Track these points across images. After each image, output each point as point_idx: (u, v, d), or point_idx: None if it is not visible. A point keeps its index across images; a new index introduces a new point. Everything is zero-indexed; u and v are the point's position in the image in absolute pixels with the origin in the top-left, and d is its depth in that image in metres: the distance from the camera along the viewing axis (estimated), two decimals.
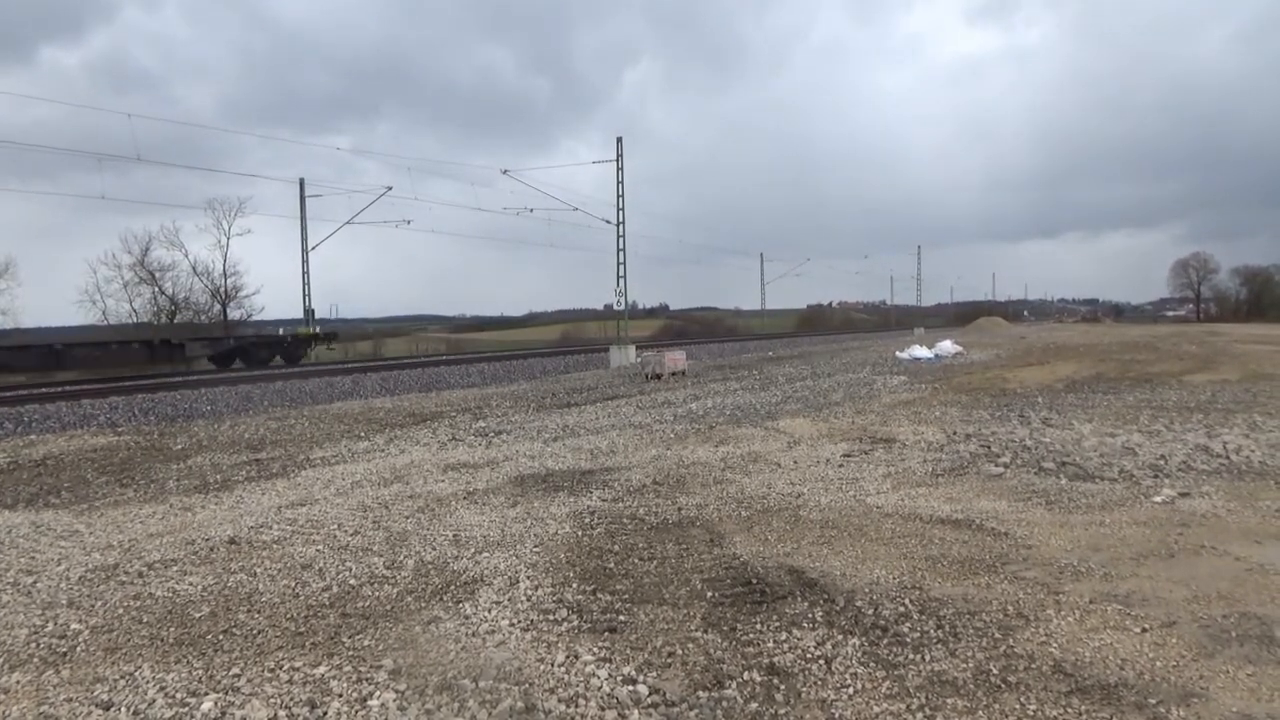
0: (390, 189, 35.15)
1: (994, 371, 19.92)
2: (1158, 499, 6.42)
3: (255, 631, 4.03)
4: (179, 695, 3.35)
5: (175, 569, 5.12)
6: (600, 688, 3.36)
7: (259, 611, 4.32)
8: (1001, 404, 13.04)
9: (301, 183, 37.35)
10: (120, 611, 4.37)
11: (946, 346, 27.61)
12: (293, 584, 4.76)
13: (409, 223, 37.02)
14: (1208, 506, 6.17)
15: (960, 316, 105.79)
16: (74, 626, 4.16)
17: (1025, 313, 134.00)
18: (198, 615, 4.28)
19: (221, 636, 3.98)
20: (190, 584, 4.81)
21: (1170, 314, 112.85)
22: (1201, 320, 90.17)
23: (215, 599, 4.53)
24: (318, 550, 5.45)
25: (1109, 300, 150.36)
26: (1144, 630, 3.81)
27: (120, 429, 12.71)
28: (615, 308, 30.93)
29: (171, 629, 4.10)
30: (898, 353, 26.41)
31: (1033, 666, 3.46)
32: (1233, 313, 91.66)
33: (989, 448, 8.83)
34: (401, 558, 5.23)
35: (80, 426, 13.04)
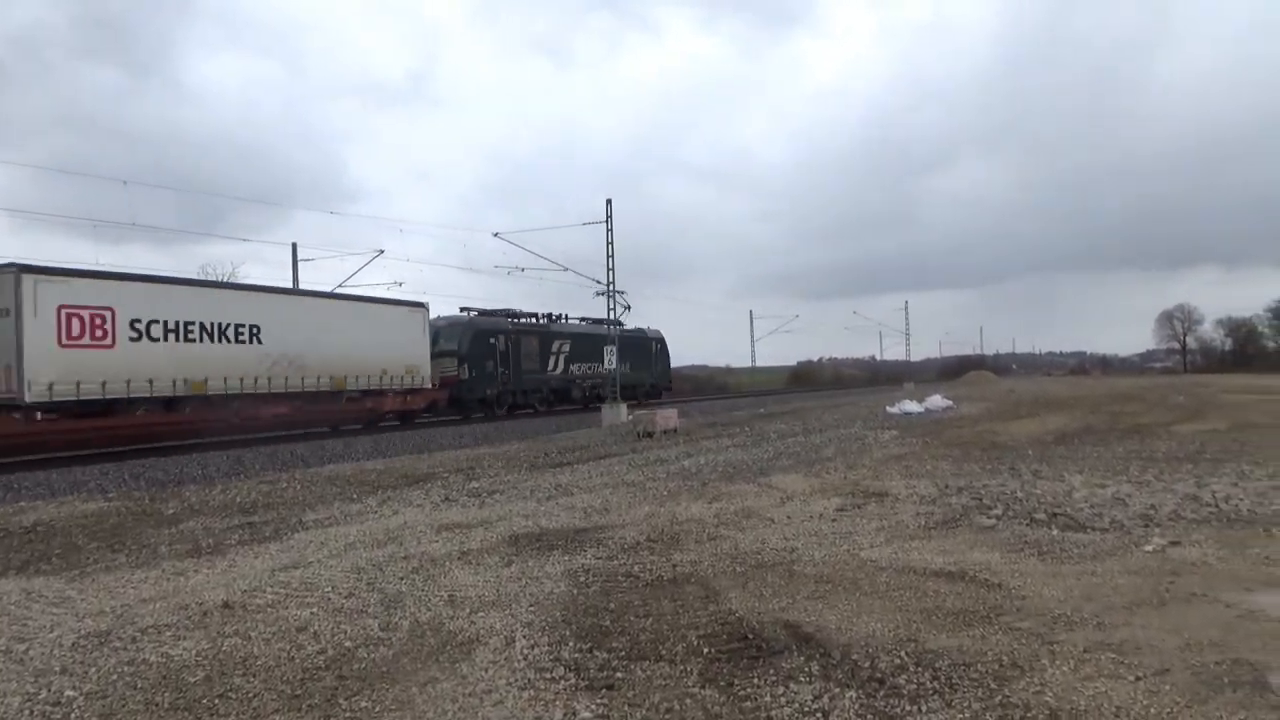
0: (382, 252, 35.46)
1: (984, 425, 20.03)
2: (1149, 548, 6.47)
3: (251, 695, 4.02)
4: None
5: (169, 634, 5.09)
6: None
7: (254, 675, 4.30)
8: (992, 457, 13.11)
9: (294, 247, 37.69)
10: (114, 677, 4.34)
11: (937, 400, 27.80)
12: (288, 647, 4.74)
13: (400, 285, 37.26)
14: (1198, 555, 6.22)
15: (949, 371, 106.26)
16: (68, 693, 4.13)
17: (1014, 366, 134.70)
18: (192, 680, 4.26)
19: (217, 700, 3.96)
20: (184, 649, 4.78)
21: (1157, 365, 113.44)
22: (1188, 371, 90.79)
23: (210, 663, 4.51)
24: (312, 613, 5.43)
25: (1096, 352, 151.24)
26: (1138, 678, 3.84)
27: (110, 495, 12.63)
28: (607, 366, 31.04)
29: (166, 694, 4.07)
30: (888, 407, 26.53)
31: (1029, 716, 3.48)
32: (1218, 363, 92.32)
33: (981, 500, 8.88)
34: (397, 619, 5.22)
35: (70, 493, 12.95)
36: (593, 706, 3.72)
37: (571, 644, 4.60)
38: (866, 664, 4.13)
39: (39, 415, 17.14)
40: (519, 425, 25.99)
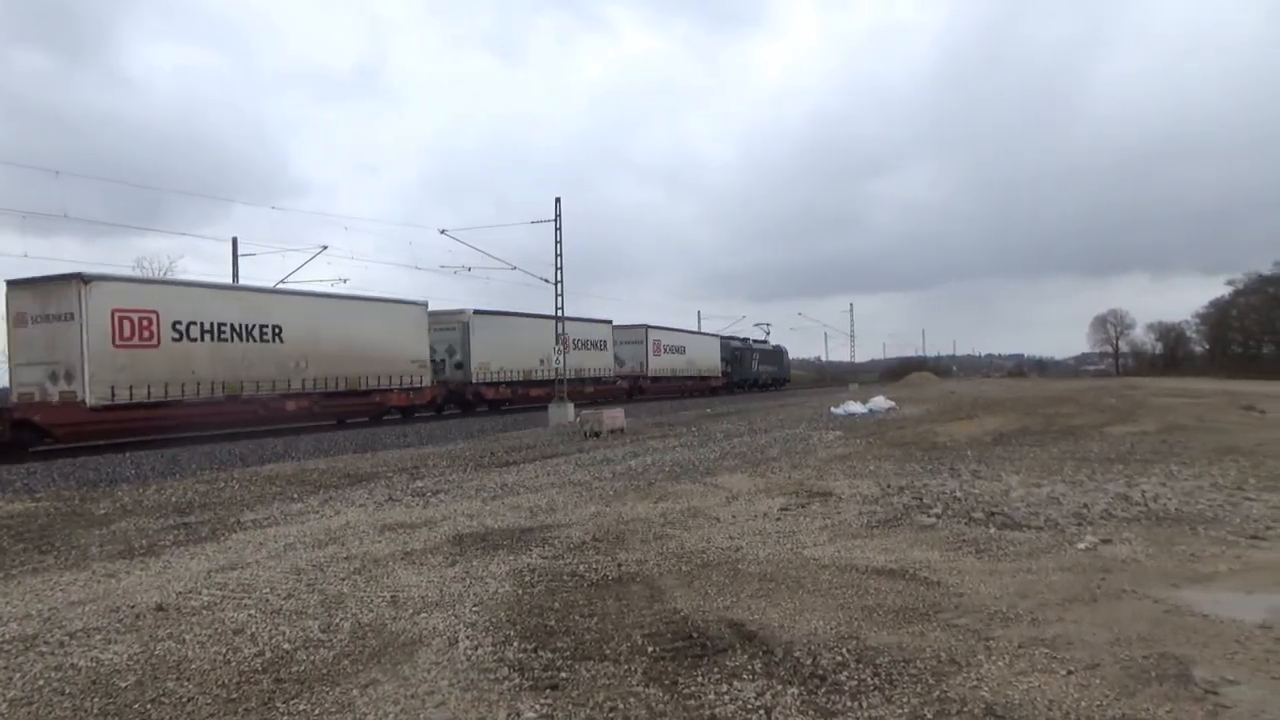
0: (326, 248, 34.96)
1: (925, 426, 20.40)
2: (1081, 546, 6.66)
3: (185, 699, 3.92)
4: None
5: (99, 637, 4.94)
6: None
7: (189, 679, 4.19)
8: (933, 457, 13.36)
9: (234, 241, 36.91)
10: (41, 683, 4.20)
11: (880, 402, 28.19)
12: (224, 650, 4.63)
13: (345, 281, 36.74)
14: (1128, 552, 6.42)
15: (892, 372, 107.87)
16: None
17: (954, 368, 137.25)
18: (123, 685, 4.14)
19: (149, 705, 3.86)
20: (115, 653, 4.65)
21: (1090, 368, 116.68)
22: (1120, 374, 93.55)
23: (142, 667, 4.39)
24: (250, 615, 5.32)
25: (1033, 355, 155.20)
26: (1070, 672, 3.95)
27: (38, 494, 12.21)
28: (555, 366, 30.93)
29: (96, 699, 3.96)
30: (833, 408, 26.85)
31: (965, 710, 3.55)
32: (1149, 366, 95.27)
33: (921, 499, 9.04)
34: (337, 620, 5.14)
35: None
36: (537, 706, 3.70)
37: (516, 644, 4.58)
38: (808, 661, 4.18)
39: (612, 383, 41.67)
40: (465, 424, 25.78)
